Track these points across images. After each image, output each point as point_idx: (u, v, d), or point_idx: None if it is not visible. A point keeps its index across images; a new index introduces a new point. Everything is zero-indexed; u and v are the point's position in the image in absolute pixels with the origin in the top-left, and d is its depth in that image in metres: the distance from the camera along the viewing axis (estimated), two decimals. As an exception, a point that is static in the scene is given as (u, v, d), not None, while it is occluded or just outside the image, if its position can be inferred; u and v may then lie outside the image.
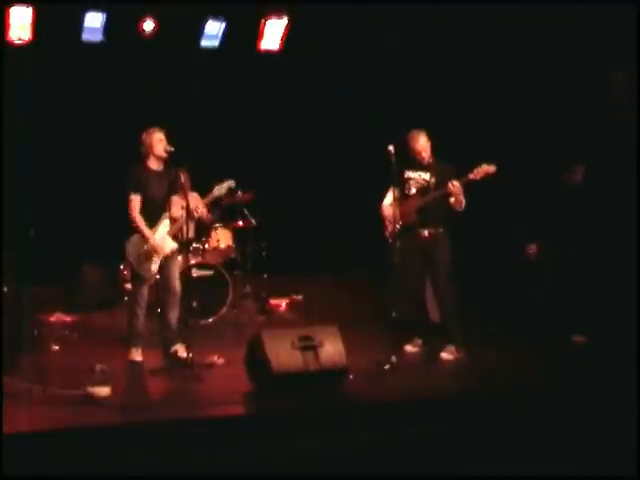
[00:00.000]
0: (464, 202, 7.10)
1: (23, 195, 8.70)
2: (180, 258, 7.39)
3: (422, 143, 7.21)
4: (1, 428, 5.15)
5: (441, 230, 7.24)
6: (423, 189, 7.21)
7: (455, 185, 7.01)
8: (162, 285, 7.20)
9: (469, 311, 8.09)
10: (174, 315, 7.02)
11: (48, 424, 5.50)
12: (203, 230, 8.77)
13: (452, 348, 7.22)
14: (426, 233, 7.22)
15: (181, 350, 6.91)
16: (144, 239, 6.99)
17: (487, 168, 6.99)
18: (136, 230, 7.02)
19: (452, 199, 7.12)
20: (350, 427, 5.66)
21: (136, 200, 6.97)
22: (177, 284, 7.04)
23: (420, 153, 7.20)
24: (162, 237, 7.04)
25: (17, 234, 7.32)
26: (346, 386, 6.30)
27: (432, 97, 9.67)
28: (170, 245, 7.06)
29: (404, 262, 7.21)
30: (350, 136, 10.56)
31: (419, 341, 7.42)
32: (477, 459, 5.37)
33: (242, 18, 9.14)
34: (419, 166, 7.25)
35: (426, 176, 7.20)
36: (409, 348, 7.39)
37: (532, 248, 7.96)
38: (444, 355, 7.22)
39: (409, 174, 7.26)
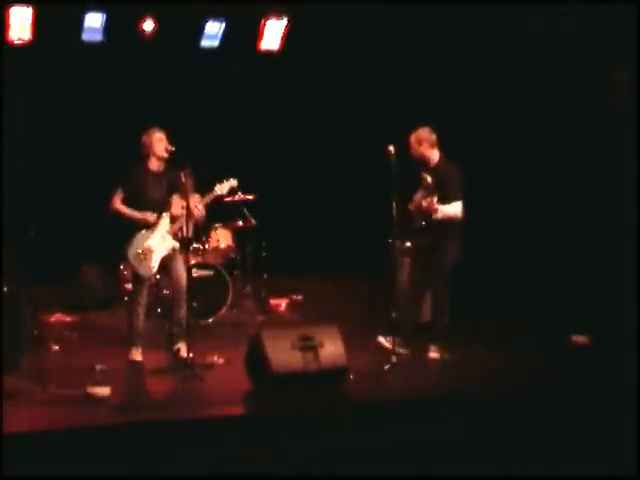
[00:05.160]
0: (442, 212, 6.90)
1: (23, 195, 8.70)
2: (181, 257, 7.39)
3: (411, 142, 7.10)
4: (1, 428, 5.15)
5: (443, 236, 7.05)
6: (428, 191, 7.01)
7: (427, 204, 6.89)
8: (169, 284, 7.22)
9: (469, 311, 8.11)
10: (181, 312, 7.02)
11: (48, 424, 5.50)
12: (202, 230, 8.76)
13: (436, 347, 7.19)
14: (427, 238, 7.09)
15: (183, 349, 6.91)
16: (141, 224, 6.98)
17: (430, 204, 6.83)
18: (135, 230, 7.02)
19: None
20: (350, 427, 5.66)
21: (118, 196, 7.01)
22: (182, 283, 7.03)
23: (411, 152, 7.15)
24: (162, 236, 7.05)
25: (17, 234, 7.32)
26: (346, 386, 6.30)
27: (433, 96, 9.67)
28: (171, 244, 7.07)
29: (407, 263, 7.17)
30: (350, 136, 10.56)
31: (389, 339, 7.16)
32: (477, 459, 5.37)
33: (242, 18, 9.14)
34: (425, 167, 7.14)
35: (430, 179, 7.01)
36: (382, 340, 7.24)
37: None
38: (432, 355, 7.17)
39: (422, 173, 7.11)
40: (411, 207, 7.19)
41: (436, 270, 7.14)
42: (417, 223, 7.15)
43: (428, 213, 6.94)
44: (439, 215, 6.90)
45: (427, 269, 7.20)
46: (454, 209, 6.96)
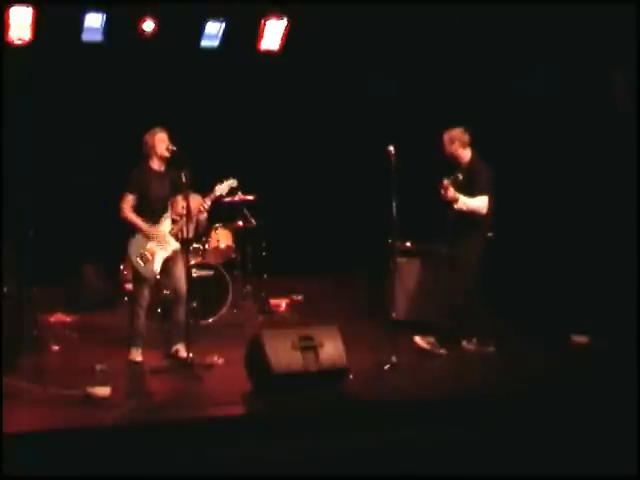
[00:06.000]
0: (464, 203, 7.09)
1: (23, 195, 8.70)
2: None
3: (444, 140, 7.27)
4: (1, 428, 5.15)
5: (465, 235, 7.22)
6: (458, 189, 7.17)
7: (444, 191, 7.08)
8: (168, 285, 7.22)
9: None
10: (181, 313, 7.02)
11: (48, 424, 5.50)
12: (202, 232, 8.76)
13: (432, 340, 7.30)
14: (454, 236, 7.29)
15: (182, 350, 6.91)
16: (143, 234, 6.99)
17: None
18: (136, 230, 7.02)
19: None
20: (350, 427, 5.66)
21: (128, 199, 6.98)
22: (182, 284, 7.02)
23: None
24: (164, 237, 7.05)
25: (17, 234, 7.32)
26: (346, 386, 6.30)
27: (433, 96, 9.68)
28: (173, 245, 7.07)
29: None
30: (350, 136, 10.56)
31: (474, 339, 7.39)
32: (477, 459, 5.37)
33: (242, 18, 9.14)
34: (457, 166, 7.28)
35: (460, 177, 7.17)
36: (466, 345, 7.38)
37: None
38: (417, 339, 7.35)
39: (455, 172, 7.27)
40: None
41: (453, 268, 7.26)
42: (450, 216, 7.29)
43: (451, 203, 7.12)
44: (461, 205, 7.09)
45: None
46: (477, 202, 7.12)
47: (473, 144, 7.30)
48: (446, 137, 7.26)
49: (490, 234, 7.26)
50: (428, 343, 7.32)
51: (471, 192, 7.11)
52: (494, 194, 7.25)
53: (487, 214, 7.17)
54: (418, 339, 7.36)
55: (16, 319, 6.90)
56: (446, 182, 7.09)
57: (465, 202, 7.09)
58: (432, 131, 7.45)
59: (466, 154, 7.26)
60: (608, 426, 5.65)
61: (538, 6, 8.09)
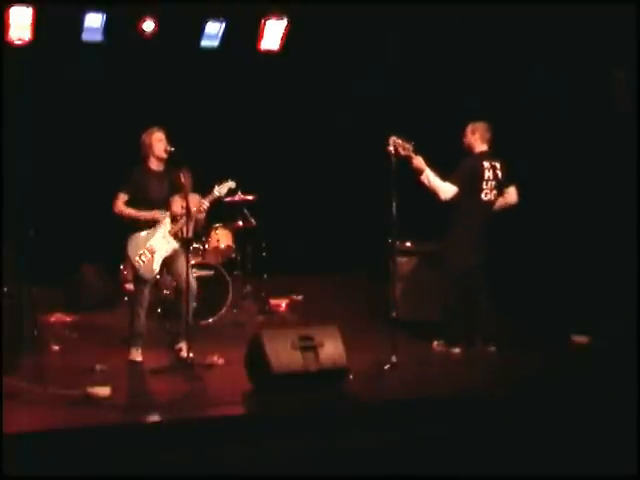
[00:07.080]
0: (428, 177, 7.18)
1: (23, 195, 8.70)
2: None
3: (467, 129, 7.42)
4: (1, 428, 5.15)
5: (444, 234, 7.35)
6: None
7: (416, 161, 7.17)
8: (168, 284, 7.23)
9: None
10: (186, 311, 6.99)
11: (48, 424, 5.50)
12: (201, 231, 8.76)
13: (441, 342, 7.39)
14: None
15: (184, 349, 6.91)
16: (144, 223, 6.97)
17: None
18: (136, 231, 7.02)
19: None
20: (350, 427, 5.66)
21: (122, 198, 6.99)
22: (184, 281, 6.93)
23: None
24: (163, 237, 7.05)
25: (17, 234, 7.32)
26: (346, 386, 6.30)
27: (434, 95, 9.67)
28: (172, 244, 7.07)
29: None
30: (350, 136, 10.56)
31: (441, 342, 7.47)
32: (476, 459, 5.37)
33: (242, 18, 9.14)
34: (467, 155, 7.45)
35: (404, 142, 7.27)
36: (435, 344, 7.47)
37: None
38: (435, 345, 7.44)
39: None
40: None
41: (441, 265, 7.36)
42: None
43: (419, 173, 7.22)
44: (424, 178, 7.20)
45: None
46: (441, 184, 7.18)
47: (491, 145, 7.40)
48: (470, 127, 7.40)
49: (465, 231, 7.26)
50: (442, 346, 7.40)
51: (445, 176, 7.20)
52: (475, 196, 7.26)
53: (468, 213, 7.23)
54: (435, 344, 7.46)
55: (16, 319, 6.90)
56: (393, 138, 7.05)
57: (429, 177, 7.18)
58: (432, 131, 7.44)
59: (479, 148, 7.37)
60: (608, 426, 5.65)
61: (538, 6, 8.09)
